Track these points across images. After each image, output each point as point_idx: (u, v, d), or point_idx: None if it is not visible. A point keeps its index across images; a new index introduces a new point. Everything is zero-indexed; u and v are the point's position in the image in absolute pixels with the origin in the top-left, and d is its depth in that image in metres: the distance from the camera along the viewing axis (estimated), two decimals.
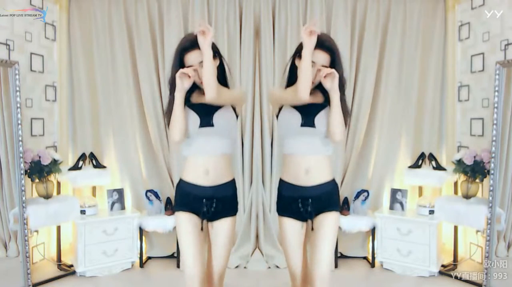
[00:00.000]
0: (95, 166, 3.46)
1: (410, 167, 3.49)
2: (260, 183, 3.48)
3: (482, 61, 3.22)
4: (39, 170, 3.00)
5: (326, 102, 1.85)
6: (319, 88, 1.85)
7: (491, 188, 2.83)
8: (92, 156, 3.50)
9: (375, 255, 3.38)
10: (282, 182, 1.94)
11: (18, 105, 2.80)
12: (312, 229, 1.90)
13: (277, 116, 1.96)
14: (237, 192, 1.99)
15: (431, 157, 3.47)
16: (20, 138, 2.79)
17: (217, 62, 1.89)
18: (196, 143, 1.86)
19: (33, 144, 3.12)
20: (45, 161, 3.01)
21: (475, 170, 3.02)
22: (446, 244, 3.43)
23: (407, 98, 3.53)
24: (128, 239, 3.30)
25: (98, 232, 3.17)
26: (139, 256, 3.37)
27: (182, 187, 1.91)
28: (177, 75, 1.74)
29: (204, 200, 1.86)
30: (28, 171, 2.96)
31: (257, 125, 3.49)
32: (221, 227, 1.91)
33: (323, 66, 1.78)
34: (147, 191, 3.49)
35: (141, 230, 3.37)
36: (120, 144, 3.54)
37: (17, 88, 2.81)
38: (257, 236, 3.48)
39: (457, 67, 3.47)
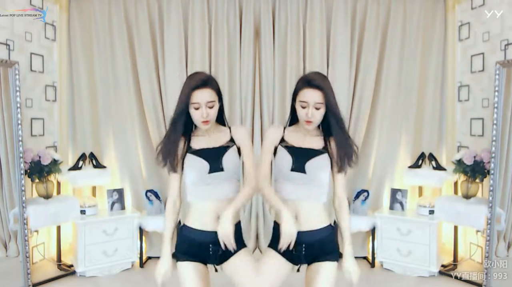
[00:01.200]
0: (95, 166, 3.46)
1: (410, 167, 3.49)
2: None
3: (482, 61, 3.22)
4: (39, 170, 3.00)
5: (325, 149, 1.78)
6: (321, 129, 1.80)
7: (491, 188, 2.83)
8: (92, 156, 3.50)
9: (375, 255, 3.38)
10: (276, 224, 1.83)
11: (18, 105, 2.80)
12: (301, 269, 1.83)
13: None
14: (242, 231, 1.90)
15: (431, 157, 3.47)
16: (20, 138, 2.79)
17: (219, 105, 1.81)
18: (204, 189, 1.77)
19: (33, 144, 3.12)
20: (45, 161, 3.01)
21: (475, 170, 3.02)
22: (446, 244, 3.43)
23: (407, 98, 3.53)
24: (128, 239, 3.30)
25: (98, 232, 3.17)
26: (139, 256, 3.37)
27: (186, 234, 1.81)
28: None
29: (210, 245, 1.75)
30: (28, 171, 2.96)
31: (257, 125, 3.49)
32: (239, 263, 1.78)
33: (316, 103, 1.70)
34: (147, 191, 3.49)
35: (141, 230, 3.37)
36: (120, 144, 3.54)
37: (17, 88, 2.81)
38: (257, 236, 3.49)
39: (457, 67, 3.47)
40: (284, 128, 1.88)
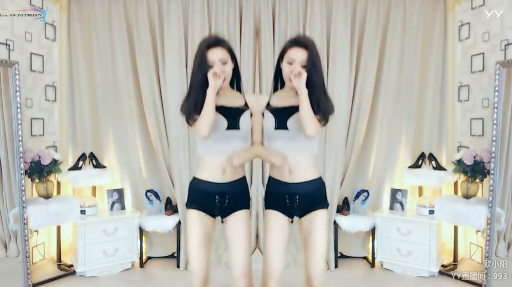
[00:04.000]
0: (95, 166, 3.46)
1: (410, 167, 3.49)
2: (260, 183, 3.48)
3: (482, 61, 3.22)
4: (39, 170, 3.00)
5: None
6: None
7: (491, 188, 2.83)
8: (92, 156, 3.50)
9: (375, 255, 3.38)
10: (270, 179, 1.99)
11: (18, 105, 2.80)
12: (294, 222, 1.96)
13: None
14: (249, 189, 2.03)
15: (431, 157, 3.47)
16: (20, 138, 2.79)
17: (233, 65, 1.95)
18: (218, 144, 1.89)
19: (33, 144, 3.12)
20: (45, 161, 3.01)
21: (475, 170, 3.02)
22: (446, 244, 3.43)
23: (407, 98, 3.52)
24: (128, 239, 3.30)
25: (98, 232, 3.17)
26: (139, 256, 3.37)
27: (196, 185, 1.94)
28: (210, 74, 1.81)
29: (217, 196, 1.90)
30: (28, 171, 2.96)
31: None
32: (235, 220, 1.93)
33: (303, 61, 1.84)
34: (147, 191, 3.49)
35: (141, 230, 3.37)
36: (120, 144, 3.54)
37: (17, 88, 2.81)
38: (257, 236, 3.49)
39: (457, 67, 3.47)
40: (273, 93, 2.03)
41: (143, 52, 3.44)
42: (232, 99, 1.96)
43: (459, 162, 3.12)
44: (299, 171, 1.88)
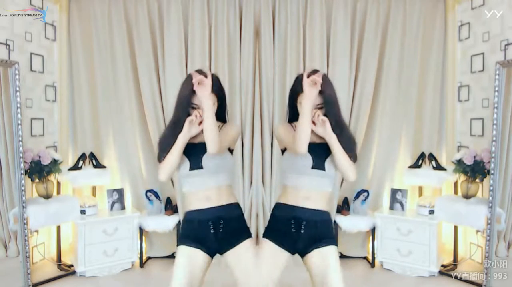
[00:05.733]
0: (95, 166, 3.46)
1: (410, 167, 3.49)
2: (260, 183, 3.48)
3: (482, 61, 3.22)
4: (39, 170, 3.00)
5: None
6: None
7: (491, 188, 2.83)
8: (92, 156, 3.50)
9: (375, 255, 3.38)
10: (277, 204, 1.88)
11: (18, 105, 2.80)
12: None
13: (282, 151, 1.90)
14: (244, 217, 1.91)
15: (431, 157, 3.47)
16: (20, 138, 2.79)
17: (218, 102, 1.85)
18: (191, 182, 1.80)
19: (33, 144, 3.12)
20: (45, 161, 3.01)
21: (475, 170, 3.02)
22: (446, 244, 3.43)
23: (407, 98, 3.52)
24: (128, 239, 3.30)
25: (98, 232, 3.17)
26: (139, 256, 3.37)
27: (186, 217, 1.84)
28: (188, 120, 1.71)
29: (210, 223, 1.77)
30: (28, 171, 2.96)
31: (257, 125, 3.49)
32: (239, 253, 1.76)
33: (317, 105, 1.74)
34: (147, 191, 3.49)
35: (141, 230, 3.37)
36: (120, 144, 3.54)
37: (17, 88, 2.81)
38: (257, 236, 3.48)
39: (457, 67, 3.47)
40: (289, 123, 1.91)
41: (143, 52, 3.44)
42: None
43: (459, 162, 3.12)
44: (313, 201, 1.79)
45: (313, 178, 1.78)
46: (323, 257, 1.73)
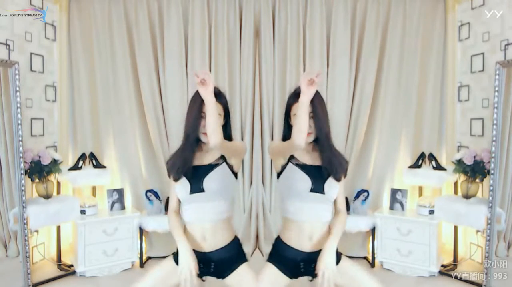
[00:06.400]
0: (95, 166, 3.46)
1: (410, 167, 3.49)
2: (260, 183, 3.48)
3: (482, 61, 3.22)
4: (39, 170, 3.00)
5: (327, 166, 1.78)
6: (316, 148, 1.78)
7: (491, 188, 2.83)
8: (92, 156, 3.50)
9: (375, 255, 3.38)
10: (282, 244, 1.83)
11: (18, 105, 2.80)
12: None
13: (278, 174, 1.85)
14: (241, 247, 1.90)
15: (431, 157, 3.47)
16: (20, 138, 2.79)
17: (224, 121, 1.82)
18: (190, 209, 1.78)
19: (33, 144, 3.12)
20: (45, 161, 3.01)
21: (475, 170, 3.02)
22: (446, 244, 3.43)
23: (407, 98, 3.53)
24: (128, 239, 3.29)
25: (98, 232, 3.17)
26: (139, 256, 3.37)
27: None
28: (197, 84, 1.62)
29: (201, 264, 1.77)
30: (28, 171, 2.95)
31: (257, 125, 3.50)
32: (238, 280, 1.79)
33: (310, 113, 1.69)
34: (147, 191, 3.49)
35: (141, 230, 3.37)
36: (120, 144, 3.54)
37: (17, 88, 2.81)
38: (257, 236, 3.49)
39: (457, 67, 3.47)
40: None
41: (143, 52, 3.45)
42: (209, 154, 1.81)
43: (459, 162, 3.12)
44: (318, 239, 1.77)
45: (313, 206, 1.75)
46: (341, 274, 1.76)
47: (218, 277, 1.83)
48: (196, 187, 1.75)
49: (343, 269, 1.77)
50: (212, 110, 1.57)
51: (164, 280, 1.77)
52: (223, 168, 1.79)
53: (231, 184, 1.82)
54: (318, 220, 1.77)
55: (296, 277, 1.84)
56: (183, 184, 1.77)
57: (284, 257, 1.81)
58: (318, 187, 1.75)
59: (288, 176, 1.79)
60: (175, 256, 1.81)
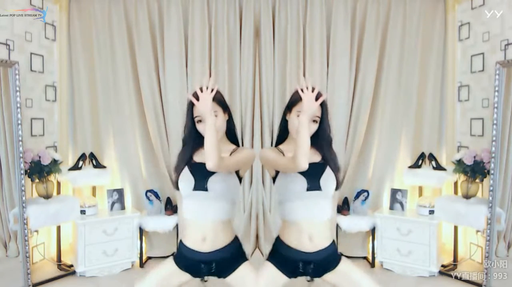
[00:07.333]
0: (95, 166, 3.46)
1: (410, 167, 3.49)
2: (260, 183, 3.48)
3: (482, 61, 3.22)
4: (39, 170, 3.00)
5: (323, 160, 1.80)
6: (313, 144, 1.74)
7: (491, 188, 2.83)
8: (92, 156, 3.50)
9: (375, 255, 3.38)
10: (282, 244, 1.82)
11: (18, 105, 2.80)
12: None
13: (273, 179, 1.84)
14: (242, 247, 1.90)
15: (431, 157, 3.47)
16: (20, 138, 2.79)
17: (226, 117, 1.81)
18: (192, 206, 1.77)
19: (33, 144, 3.12)
20: (45, 161, 3.01)
21: (475, 170, 3.02)
22: (446, 244, 3.43)
23: (407, 98, 3.53)
24: (128, 239, 3.30)
25: (98, 232, 3.17)
26: (139, 256, 3.37)
27: (181, 250, 1.82)
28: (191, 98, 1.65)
29: (202, 265, 1.77)
30: (28, 171, 2.96)
31: (257, 125, 3.49)
32: (239, 278, 1.79)
33: (315, 116, 1.73)
34: (147, 191, 3.49)
35: (141, 230, 3.37)
36: (120, 144, 3.54)
37: (17, 88, 2.81)
38: (257, 236, 3.48)
39: (457, 67, 3.47)
40: (276, 147, 1.87)
41: (143, 52, 3.44)
42: None
43: (459, 162, 3.12)
44: (319, 239, 1.76)
45: (311, 205, 1.74)
46: (340, 276, 1.79)
47: (219, 276, 1.83)
48: (200, 185, 1.74)
49: (343, 271, 1.79)
50: (210, 130, 1.55)
51: (164, 280, 1.77)
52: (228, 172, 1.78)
53: (234, 188, 1.81)
54: (318, 219, 1.77)
55: (295, 277, 1.84)
56: (187, 179, 1.76)
57: (284, 256, 1.81)
58: (314, 185, 1.74)
59: (283, 180, 1.78)
60: (175, 256, 1.83)
